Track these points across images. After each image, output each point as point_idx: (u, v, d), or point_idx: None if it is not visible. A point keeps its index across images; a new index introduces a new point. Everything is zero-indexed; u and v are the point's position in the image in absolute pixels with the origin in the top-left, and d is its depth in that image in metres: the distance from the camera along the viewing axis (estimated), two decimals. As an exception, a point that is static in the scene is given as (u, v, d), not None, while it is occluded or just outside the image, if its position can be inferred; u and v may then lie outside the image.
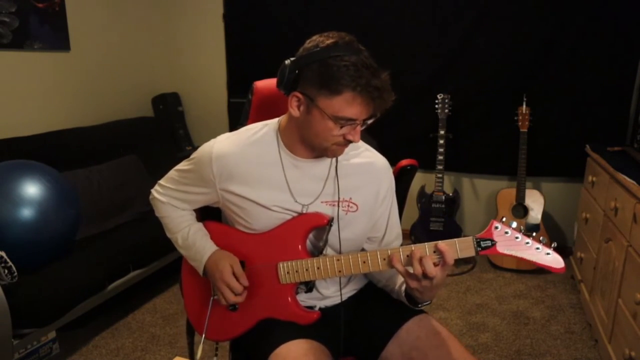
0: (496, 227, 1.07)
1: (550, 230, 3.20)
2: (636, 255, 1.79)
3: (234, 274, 1.20)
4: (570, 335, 2.35)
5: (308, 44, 1.10)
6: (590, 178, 2.57)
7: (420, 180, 3.27)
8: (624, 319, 1.85)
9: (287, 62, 1.11)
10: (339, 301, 1.28)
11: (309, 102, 1.08)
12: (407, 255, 1.10)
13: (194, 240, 1.27)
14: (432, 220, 3.08)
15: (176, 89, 3.79)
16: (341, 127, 1.08)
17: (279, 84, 1.13)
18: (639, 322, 1.71)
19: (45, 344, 2.10)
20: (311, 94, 1.07)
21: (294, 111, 1.12)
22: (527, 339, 2.33)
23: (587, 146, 2.72)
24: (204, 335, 1.28)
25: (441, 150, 3.01)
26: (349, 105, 1.05)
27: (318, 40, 1.08)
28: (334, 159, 1.21)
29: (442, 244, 1.07)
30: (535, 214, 2.97)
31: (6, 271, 1.83)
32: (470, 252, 1.07)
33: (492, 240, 1.07)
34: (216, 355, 1.34)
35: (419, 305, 1.19)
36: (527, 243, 1.05)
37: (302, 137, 1.16)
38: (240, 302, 1.22)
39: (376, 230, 1.30)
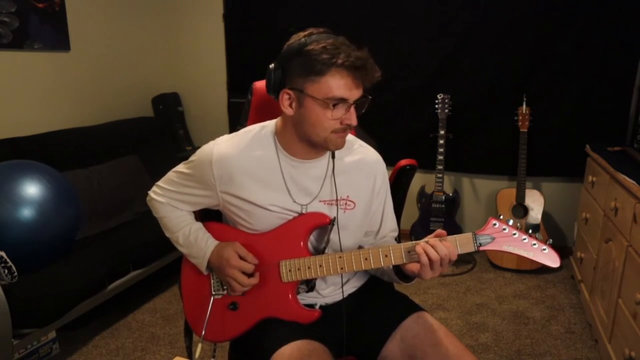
0: (494, 224, 1.10)
1: (550, 230, 3.20)
2: (636, 255, 1.79)
3: (240, 258, 1.21)
4: (570, 335, 2.35)
5: (285, 45, 1.13)
6: (590, 178, 2.57)
7: (420, 180, 3.28)
8: (624, 319, 1.85)
9: (270, 66, 1.14)
10: (339, 298, 1.29)
11: (299, 94, 1.10)
12: (409, 252, 1.12)
13: (196, 238, 1.27)
14: (432, 220, 3.08)
15: (176, 89, 3.79)
16: (334, 109, 1.09)
17: (268, 90, 1.15)
18: (639, 322, 1.71)
19: (45, 344, 2.10)
20: (299, 85, 1.10)
21: (287, 110, 1.14)
22: (527, 339, 2.33)
23: (587, 146, 2.72)
24: (203, 334, 1.28)
25: (441, 150, 3.01)
26: (336, 83, 1.07)
27: (294, 38, 1.12)
28: (331, 159, 1.22)
29: (441, 234, 1.11)
30: (535, 214, 2.97)
31: (6, 271, 1.83)
32: (469, 248, 1.09)
33: (490, 236, 1.09)
34: (214, 356, 1.34)
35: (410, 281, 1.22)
36: (524, 239, 1.08)
37: (300, 134, 1.17)
38: (254, 284, 1.21)
39: (372, 224, 1.31)
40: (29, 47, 2.71)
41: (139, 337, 2.32)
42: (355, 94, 1.10)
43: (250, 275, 1.21)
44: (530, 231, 1.10)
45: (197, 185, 1.25)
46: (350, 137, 1.30)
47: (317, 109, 1.09)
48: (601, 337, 2.10)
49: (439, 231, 1.12)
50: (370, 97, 1.13)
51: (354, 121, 1.12)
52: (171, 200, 1.30)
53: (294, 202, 1.21)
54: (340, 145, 1.17)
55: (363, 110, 1.15)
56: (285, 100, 1.13)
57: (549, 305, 2.64)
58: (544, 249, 1.07)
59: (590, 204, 2.51)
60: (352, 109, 1.11)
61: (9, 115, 2.65)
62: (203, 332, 1.28)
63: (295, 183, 1.21)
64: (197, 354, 1.29)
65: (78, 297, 2.09)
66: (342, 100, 1.08)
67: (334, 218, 1.20)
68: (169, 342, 2.29)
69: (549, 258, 1.07)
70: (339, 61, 1.05)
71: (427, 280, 2.90)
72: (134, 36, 3.47)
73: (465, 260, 3.17)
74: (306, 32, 1.11)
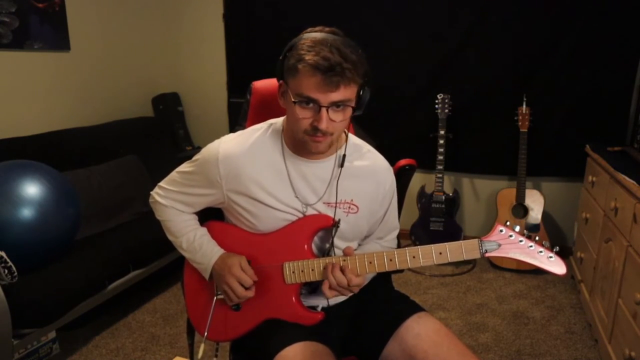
0: (501, 230, 1.10)
1: (550, 230, 3.20)
2: (636, 255, 1.79)
3: (242, 269, 1.20)
4: (570, 335, 2.35)
5: None
6: (590, 178, 2.57)
7: (420, 180, 3.27)
8: (624, 319, 1.85)
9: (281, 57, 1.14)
10: (342, 300, 1.28)
11: (285, 87, 1.11)
12: (414, 257, 1.11)
13: (200, 244, 1.26)
14: (432, 220, 3.08)
15: (176, 89, 3.79)
16: (304, 108, 1.07)
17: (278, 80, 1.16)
18: (639, 322, 1.71)
19: (45, 344, 2.10)
20: (286, 78, 1.10)
21: (280, 100, 1.15)
22: (527, 339, 2.32)
23: (587, 146, 2.72)
24: (205, 335, 1.27)
25: (441, 150, 3.01)
26: (306, 81, 1.04)
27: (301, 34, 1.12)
28: (338, 162, 1.21)
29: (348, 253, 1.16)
30: (535, 214, 2.97)
31: (6, 271, 1.83)
32: (475, 254, 1.09)
33: (496, 242, 1.09)
34: (216, 356, 1.34)
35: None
36: (530, 247, 1.08)
37: (290, 131, 1.18)
38: (249, 297, 1.21)
39: (374, 228, 1.33)
40: (29, 47, 2.71)
41: (139, 337, 2.32)
42: (327, 97, 1.04)
43: (247, 289, 1.20)
44: (536, 237, 1.09)
45: (201, 184, 1.24)
46: (358, 140, 1.30)
47: (291, 105, 1.08)
48: (601, 337, 2.10)
49: (345, 249, 1.16)
50: (352, 107, 1.08)
51: (322, 125, 1.05)
52: (174, 202, 1.29)
53: (297, 199, 1.21)
54: (315, 150, 1.13)
55: (355, 114, 1.11)
56: (280, 91, 1.14)
57: (549, 305, 2.64)
58: (551, 257, 1.07)
59: (590, 204, 2.51)
60: (323, 112, 1.05)
61: (9, 115, 2.64)
62: (206, 333, 1.27)
63: (300, 182, 1.21)
64: (199, 355, 1.29)
65: (78, 297, 2.09)
66: (312, 100, 1.05)
67: (339, 220, 1.20)
68: (169, 342, 2.29)
69: (556, 266, 1.07)
70: (307, 58, 1.02)
71: (427, 280, 2.90)
72: (134, 36, 3.47)
73: (465, 260, 3.17)
74: (308, 30, 1.10)
